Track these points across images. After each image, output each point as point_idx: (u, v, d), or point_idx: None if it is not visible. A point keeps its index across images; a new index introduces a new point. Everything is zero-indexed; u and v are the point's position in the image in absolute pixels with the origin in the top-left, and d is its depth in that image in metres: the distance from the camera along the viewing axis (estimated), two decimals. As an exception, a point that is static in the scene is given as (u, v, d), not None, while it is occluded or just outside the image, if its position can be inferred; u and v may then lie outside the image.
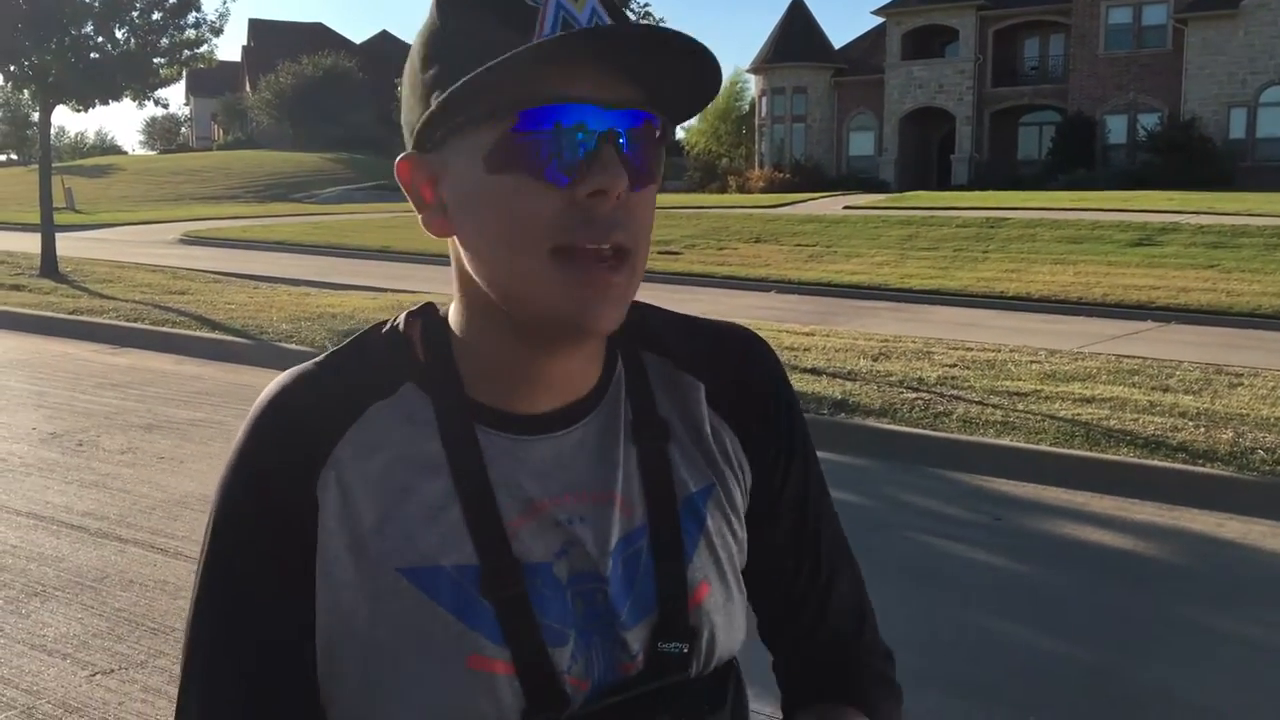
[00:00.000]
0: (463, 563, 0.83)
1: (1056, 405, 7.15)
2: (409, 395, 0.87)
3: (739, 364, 0.98)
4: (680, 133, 62.38)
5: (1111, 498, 5.75)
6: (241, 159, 51.26)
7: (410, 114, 0.85)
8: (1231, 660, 3.96)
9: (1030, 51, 39.87)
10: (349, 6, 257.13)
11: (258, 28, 68.21)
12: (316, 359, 0.90)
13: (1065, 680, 3.77)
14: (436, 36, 0.82)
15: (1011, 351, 9.33)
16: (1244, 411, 6.86)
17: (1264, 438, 6.21)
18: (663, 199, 37.74)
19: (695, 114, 0.85)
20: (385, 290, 14.00)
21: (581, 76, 0.77)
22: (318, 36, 65.22)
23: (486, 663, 0.83)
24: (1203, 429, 6.44)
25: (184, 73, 17.03)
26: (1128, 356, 9.32)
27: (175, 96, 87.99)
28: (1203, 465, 5.90)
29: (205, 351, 9.95)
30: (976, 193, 28.42)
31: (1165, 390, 7.52)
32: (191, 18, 15.66)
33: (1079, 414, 6.86)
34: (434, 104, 0.80)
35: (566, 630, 0.85)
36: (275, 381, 0.88)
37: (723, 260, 17.72)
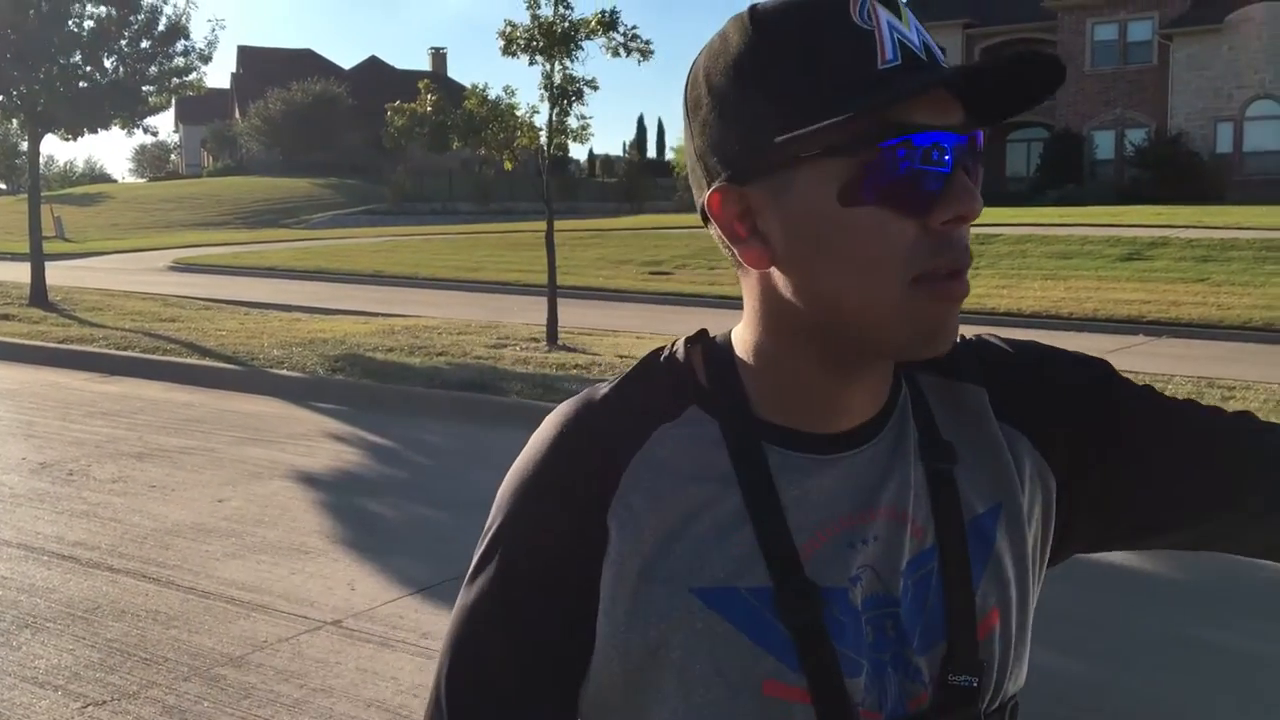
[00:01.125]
0: (756, 585, 0.82)
1: (1050, 420, 7.13)
2: (694, 417, 0.86)
3: (1003, 361, 0.95)
4: (669, 153, 62.55)
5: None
6: (231, 185, 51.28)
7: (724, 145, 0.81)
8: (1222, 669, 3.95)
9: (1016, 69, 40.10)
10: (337, 33, 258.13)
11: (246, 55, 68.30)
12: (600, 385, 0.90)
13: (1058, 693, 3.75)
14: (760, 62, 0.78)
15: (1004, 367, 9.32)
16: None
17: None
18: (653, 219, 37.52)
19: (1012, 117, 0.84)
20: (377, 315, 13.99)
21: (927, 102, 0.76)
22: (307, 63, 65.27)
23: (783, 690, 0.81)
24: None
25: (173, 100, 17.06)
26: (1120, 371, 9.32)
27: (164, 124, 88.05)
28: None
29: (196, 378, 9.92)
30: (966, 210, 28.47)
31: (1158, 404, 7.49)
32: (180, 46, 15.73)
33: (1073, 429, 6.85)
34: (778, 139, 0.76)
35: (860, 659, 0.82)
36: (563, 408, 0.89)
37: (714, 280, 17.74)
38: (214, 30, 24.51)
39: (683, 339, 0.91)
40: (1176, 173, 32.36)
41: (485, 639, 0.87)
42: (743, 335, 0.88)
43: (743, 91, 0.79)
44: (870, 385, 0.86)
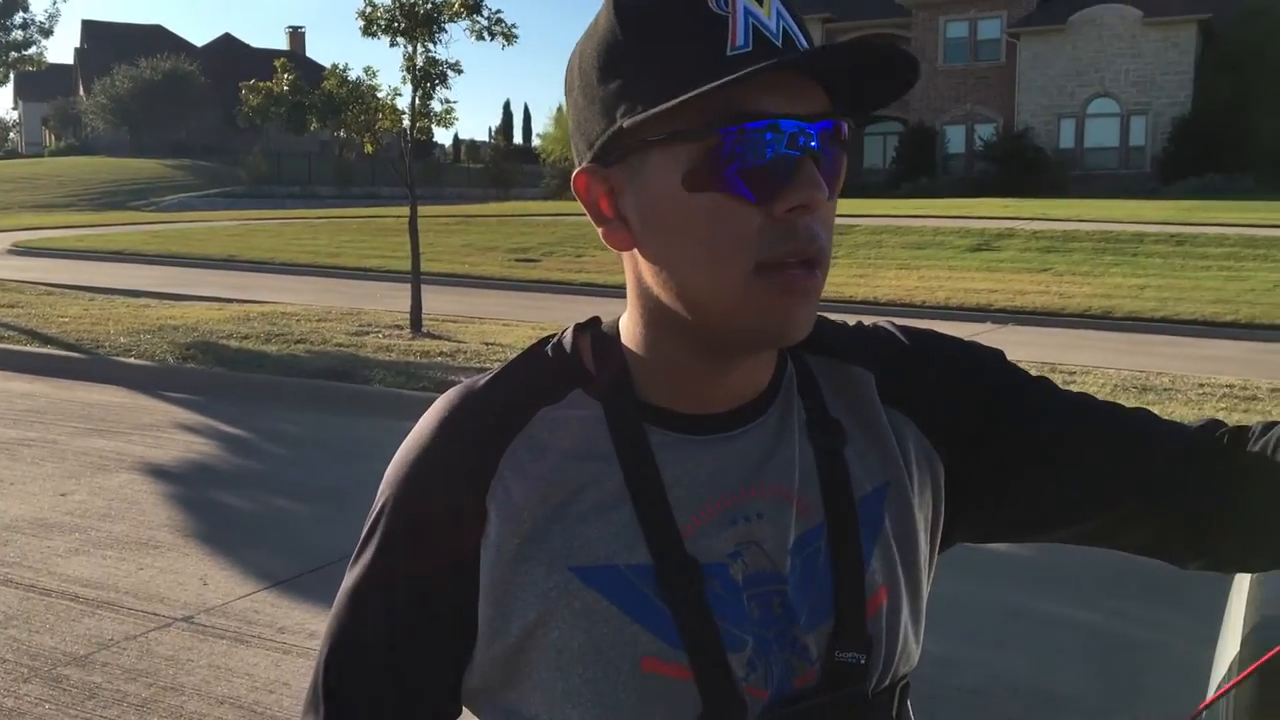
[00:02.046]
0: (637, 562, 0.82)
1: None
2: (577, 399, 0.86)
3: (894, 347, 0.96)
4: (536, 139, 62.23)
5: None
6: (76, 166, 49.05)
7: (588, 126, 0.82)
8: (1068, 645, 4.14)
9: (874, 63, 41.13)
10: (189, 9, 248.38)
11: (91, 29, 65.35)
12: (483, 374, 0.90)
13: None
14: (619, 46, 0.79)
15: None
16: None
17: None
18: (520, 206, 37.20)
19: (880, 108, 0.84)
20: (231, 301, 13.56)
21: (781, 89, 0.76)
22: (156, 38, 62.81)
23: (662, 666, 0.81)
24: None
25: (11, 75, 16.21)
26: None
27: (2, 100, 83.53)
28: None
29: (36, 367, 9.47)
30: (825, 200, 29.12)
31: (1005, 389, 7.78)
32: (19, 18, 14.95)
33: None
34: (625, 123, 0.78)
35: (744, 635, 0.82)
36: (447, 394, 0.89)
37: (580, 267, 17.74)
38: (55, 2, 23.39)
39: (573, 326, 0.92)
40: (1022, 167, 33.74)
41: (365, 624, 0.87)
42: (625, 320, 0.89)
43: (604, 73, 0.80)
44: (751, 367, 0.87)
